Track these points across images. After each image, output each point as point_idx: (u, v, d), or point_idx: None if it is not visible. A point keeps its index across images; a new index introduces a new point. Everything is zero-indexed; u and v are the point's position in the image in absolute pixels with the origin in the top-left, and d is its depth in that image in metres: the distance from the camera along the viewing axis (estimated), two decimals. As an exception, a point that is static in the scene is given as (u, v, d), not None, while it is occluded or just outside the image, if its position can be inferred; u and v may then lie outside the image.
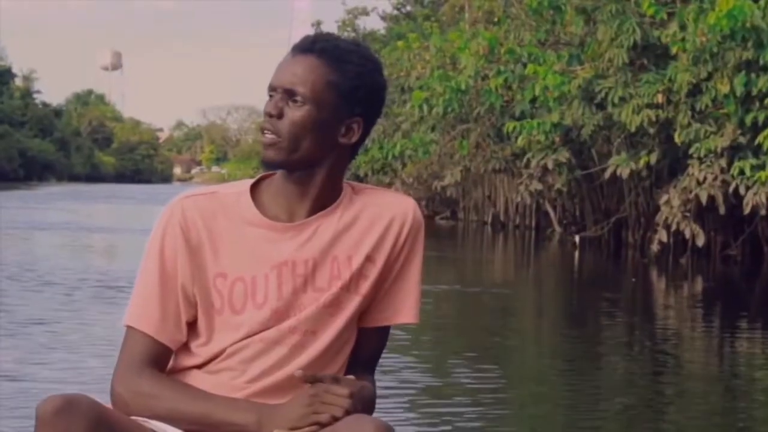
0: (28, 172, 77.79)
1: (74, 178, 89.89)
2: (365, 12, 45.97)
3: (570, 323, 10.05)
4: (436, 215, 34.05)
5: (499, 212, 29.46)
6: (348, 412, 1.98)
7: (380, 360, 2.30)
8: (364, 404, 2.06)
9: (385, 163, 33.22)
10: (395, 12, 45.91)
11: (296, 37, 2.29)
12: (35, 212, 27.76)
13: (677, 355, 8.06)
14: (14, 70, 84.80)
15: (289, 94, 2.10)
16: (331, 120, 2.12)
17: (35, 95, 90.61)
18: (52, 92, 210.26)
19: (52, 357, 6.69)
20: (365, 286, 2.18)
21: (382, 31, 45.91)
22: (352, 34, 45.25)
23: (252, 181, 2.20)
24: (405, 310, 2.23)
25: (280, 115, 2.10)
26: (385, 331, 2.27)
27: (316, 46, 2.12)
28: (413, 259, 2.22)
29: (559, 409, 5.86)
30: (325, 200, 2.16)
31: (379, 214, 2.19)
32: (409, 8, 45.37)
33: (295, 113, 2.10)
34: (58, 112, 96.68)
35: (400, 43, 31.88)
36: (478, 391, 6.08)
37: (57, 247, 16.56)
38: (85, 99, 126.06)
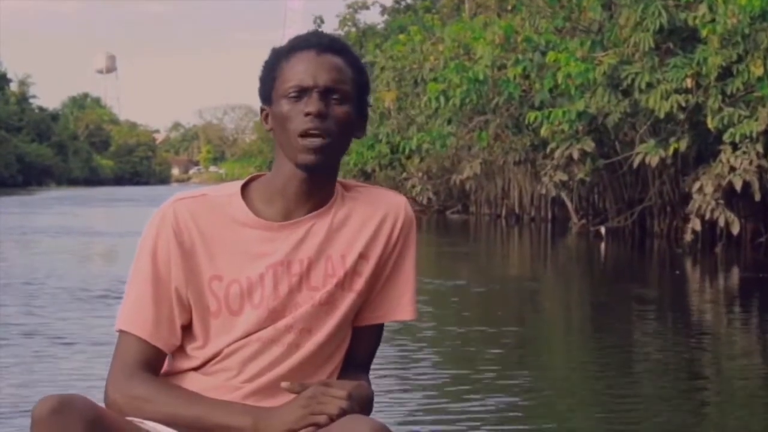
0: (26, 177, 77.54)
1: (73, 182, 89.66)
2: (365, 6, 45.45)
3: (615, 318, 9.51)
4: (447, 209, 33.51)
5: (514, 205, 28.94)
6: (345, 413, 1.96)
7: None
8: (361, 404, 2.03)
9: (392, 158, 32.65)
10: (395, 5, 45.40)
11: (289, 37, 2.23)
12: (35, 217, 27.53)
13: (729, 353, 7.59)
14: (9, 75, 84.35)
15: (328, 94, 2.09)
16: (356, 117, 2.15)
17: (31, 100, 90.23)
18: (48, 96, 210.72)
19: (50, 362, 6.61)
20: (359, 283, 2.17)
21: (381, 25, 45.39)
22: (353, 29, 44.77)
23: (242, 182, 2.19)
24: (401, 307, 2.23)
25: (326, 115, 2.08)
26: (379, 329, 2.26)
27: (335, 45, 2.14)
28: (406, 256, 2.22)
29: (590, 413, 5.49)
30: (320, 199, 2.15)
31: (371, 212, 2.19)
32: (408, 0, 44.86)
33: (338, 112, 2.10)
34: (54, 117, 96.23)
35: (401, 36, 31.37)
36: (502, 389, 5.82)
37: (57, 252, 16.19)
38: (81, 102, 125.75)
